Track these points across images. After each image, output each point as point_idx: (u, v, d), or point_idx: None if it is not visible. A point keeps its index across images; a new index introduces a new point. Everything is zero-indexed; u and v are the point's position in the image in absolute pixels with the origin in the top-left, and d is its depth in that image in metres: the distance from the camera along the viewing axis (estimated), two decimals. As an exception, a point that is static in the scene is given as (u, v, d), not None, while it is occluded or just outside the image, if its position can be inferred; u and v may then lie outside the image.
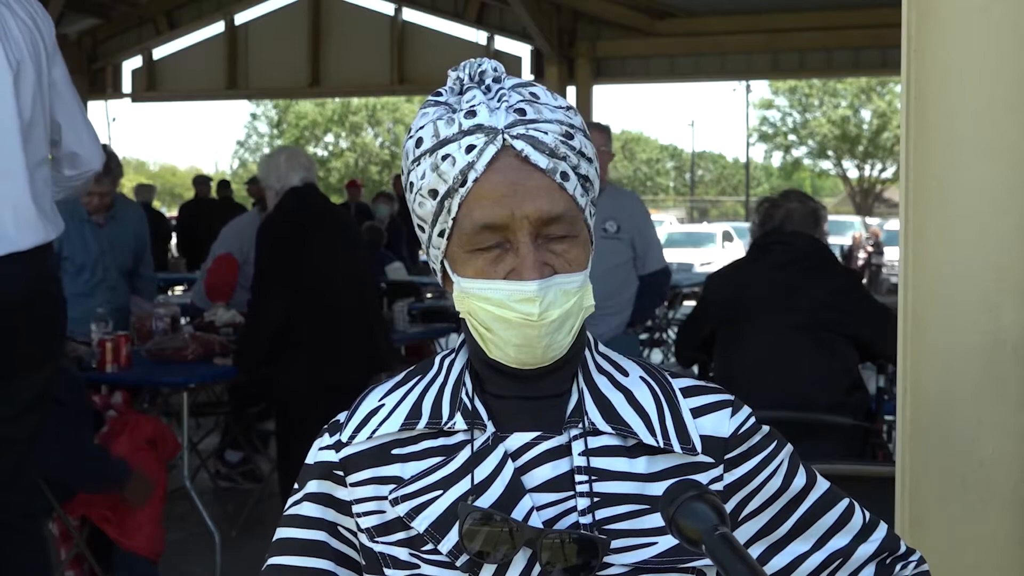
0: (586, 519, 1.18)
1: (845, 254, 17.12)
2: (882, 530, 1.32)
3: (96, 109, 43.37)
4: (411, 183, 1.20)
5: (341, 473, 1.25)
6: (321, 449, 1.28)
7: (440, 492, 1.19)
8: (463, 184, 1.15)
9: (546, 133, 1.16)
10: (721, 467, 1.23)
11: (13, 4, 3.02)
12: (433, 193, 1.17)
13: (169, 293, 10.24)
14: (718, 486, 1.22)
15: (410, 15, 14.15)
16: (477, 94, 1.17)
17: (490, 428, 1.21)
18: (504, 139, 1.14)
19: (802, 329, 3.59)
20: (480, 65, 1.19)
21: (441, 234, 1.18)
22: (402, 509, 1.20)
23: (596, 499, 1.19)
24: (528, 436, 1.21)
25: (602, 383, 1.24)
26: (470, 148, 1.14)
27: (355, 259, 4.69)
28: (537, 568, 1.15)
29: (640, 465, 1.21)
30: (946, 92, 1.68)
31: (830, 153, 44.69)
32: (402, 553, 1.21)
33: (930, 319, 1.70)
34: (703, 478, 1.21)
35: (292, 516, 1.29)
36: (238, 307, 5.70)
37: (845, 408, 3.58)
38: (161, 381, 5.03)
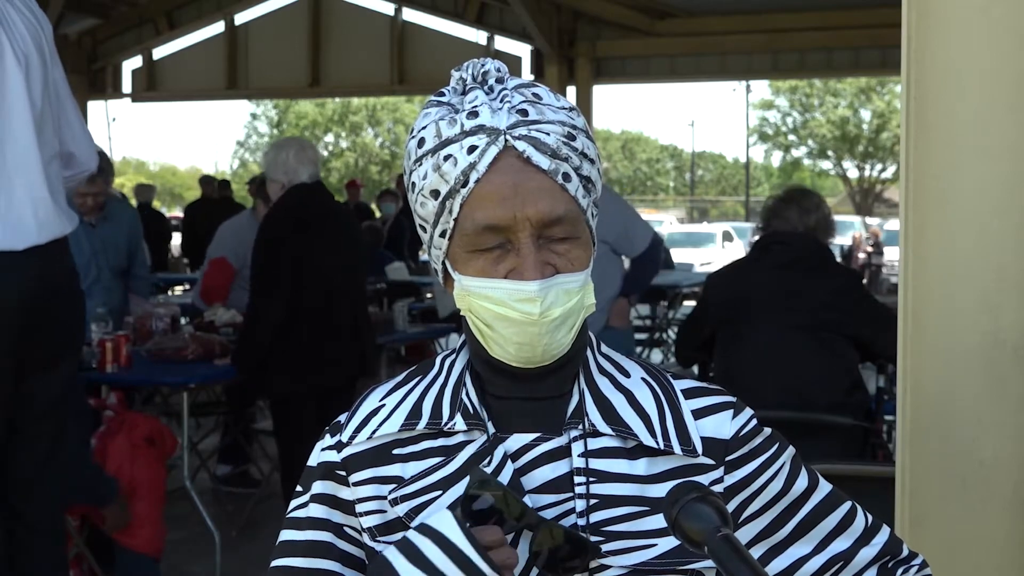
0: (584, 521, 1.18)
1: (845, 254, 17.13)
2: (884, 534, 1.32)
3: (96, 109, 43.40)
4: (413, 183, 1.20)
5: (343, 473, 1.25)
6: (323, 450, 1.28)
7: (440, 492, 1.19)
8: (465, 185, 1.15)
9: (548, 134, 1.15)
10: (722, 469, 1.22)
11: (16, 0, 3.02)
12: (435, 193, 1.17)
13: (169, 293, 10.24)
14: (719, 488, 1.22)
15: (410, 15, 14.15)
16: (479, 94, 1.17)
17: (490, 429, 1.21)
18: (506, 140, 1.14)
19: (802, 329, 3.59)
20: (483, 65, 1.19)
21: (443, 234, 1.18)
22: (402, 509, 1.20)
23: (595, 501, 1.18)
24: (528, 437, 1.20)
25: (603, 384, 1.24)
26: (472, 149, 1.14)
27: (353, 260, 4.67)
28: (535, 572, 1.15)
29: (640, 467, 1.21)
30: (946, 92, 1.68)
31: (830, 153, 44.70)
32: None
33: (930, 319, 1.70)
34: (704, 480, 1.21)
35: (297, 518, 1.29)
36: (239, 307, 5.71)
37: (845, 408, 3.58)
38: (161, 381, 5.04)
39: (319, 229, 4.45)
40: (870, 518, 1.32)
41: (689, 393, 1.26)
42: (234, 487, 6.01)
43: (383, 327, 5.82)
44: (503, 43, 14.18)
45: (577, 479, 1.19)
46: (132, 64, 15.08)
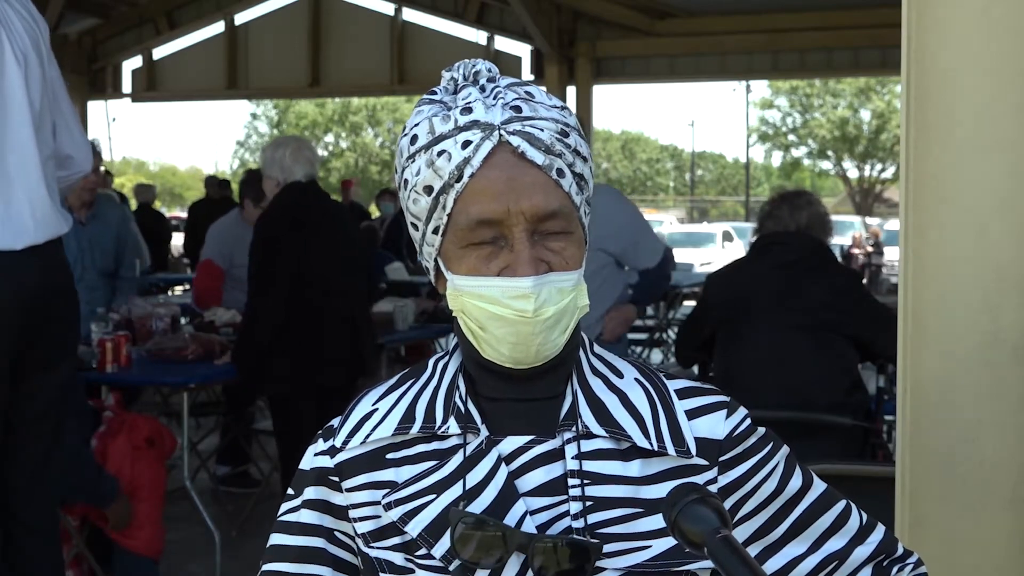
0: (579, 523, 1.17)
1: (845, 254, 17.13)
2: (879, 532, 1.31)
3: (96, 109, 43.40)
4: (405, 180, 1.19)
5: (336, 478, 1.25)
6: (316, 455, 1.27)
7: (433, 496, 1.19)
8: (459, 179, 1.14)
9: (542, 130, 1.15)
10: (716, 469, 1.22)
11: (14, 1, 3.02)
12: (428, 189, 1.16)
13: (169, 293, 10.24)
14: (713, 488, 1.21)
15: (410, 15, 14.16)
16: (473, 92, 1.17)
17: (483, 432, 1.20)
18: (500, 135, 1.14)
19: (802, 329, 3.59)
20: (475, 65, 1.19)
21: (435, 231, 1.18)
22: (395, 514, 1.19)
23: (589, 503, 1.18)
24: (521, 440, 1.20)
25: (596, 385, 1.23)
26: (466, 144, 1.14)
27: (350, 259, 4.66)
28: (530, 573, 1.15)
29: (634, 468, 1.20)
30: (946, 92, 1.68)
31: (830, 153, 44.71)
32: (397, 558, 1.21)
33: (930, 319, 1.70)
34: (697, 481, 1.20)
35: (289, 523, 1.29)
36: (237, 307, 5.70)
37: (845, 408, 3.58)
38: (161, 381, 5.04)
39: (315, 228, 4.43)
40: (864, 517, 1.32)
41: (682, 393, 1.25)
42: (234, 487, 6.01)
43: (384, 327, 5.81)
44: (503, 43, 14.20)
45: (571, 481, 1.18)
46: (132, 64, 15.10)
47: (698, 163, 57.63)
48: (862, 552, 1.29)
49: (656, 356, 10.65)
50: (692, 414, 1.23)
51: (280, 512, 1.30)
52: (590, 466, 1.19)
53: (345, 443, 1.24)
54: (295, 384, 4.43)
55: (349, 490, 1.23)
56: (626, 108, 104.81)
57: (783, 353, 3.60)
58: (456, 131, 1.15)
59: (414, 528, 1.18)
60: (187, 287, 10.45)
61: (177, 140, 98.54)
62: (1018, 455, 1.66)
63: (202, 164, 75.33)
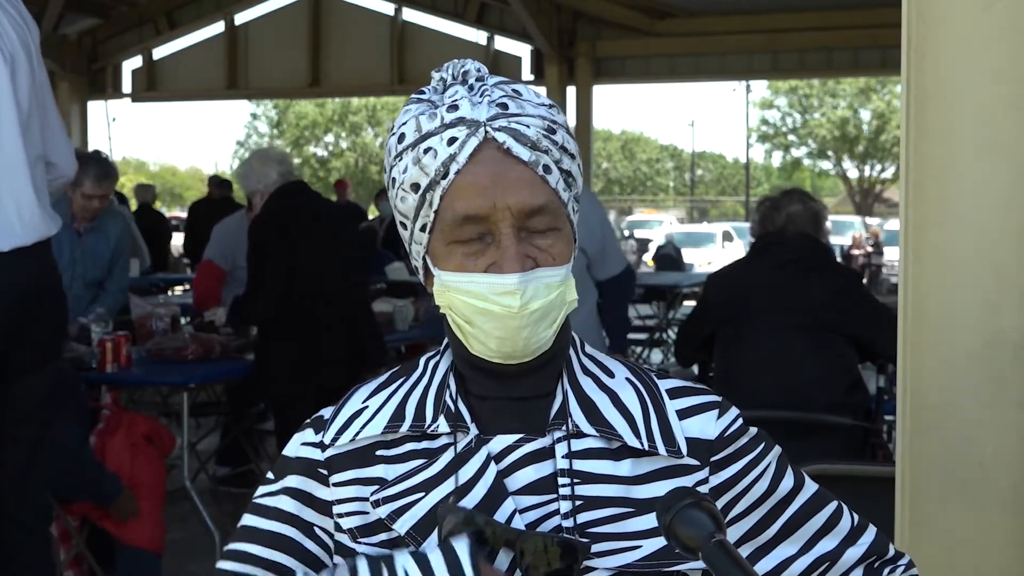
0: (568, 522, 1.17)
1: (845, 254, 17.14)
2: (870, 533, 1.31)
3: (96, 109, 43.40)
4: (393, 179, 1.19)
5: (325, 472, 1.24)
6: (304, 444, 1.26)
7: (422, 494, 1.18)
8: (445, 176, 1.14)
9: (528, 127, 1.15)
10: (707, 470, 1.22)
11: (3, 1, 3.00)
12: (415, 187, 1.16)
13: (169, 293, 10.24)
14: (703, 489, 1.21)
15: (410, 15, 14.17)
16: (460, 89, 1.17)
17: (473, 430, 1.20)
18: (486, 131, 1.14)
19: (802, 329, 3.59)
20: (463, 65, 1.19)
21: (423, 228, 1.18)
22: (384, 511, 1.19)
23: (579, 502, 1.18)
24: (511, 438, 1.20)
25: (587, 384, 1.23)
26: (452, 140, 1.14)
27: (348, 259, 4.67)
28: (518, 572, 1.14)
29: (624, 468, 1.20)
30: (946, 92, 1.68)
31: (830, 153, 44.72)
32: None
33: (930, 319, 1.70)
34: (688, 481, 1.20)
35: (265, 506, 1.27)
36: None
37: (845, 408, 3.59)
38: (161, 381, 5.04)
39: (304, 230, 4.45)
40: (856, 518, 1.31)
41: (674, 393, 1.25)
42: (233, 487, 6.01)
43: (384, 327, 5.81)
44: (503, 43, 14.20)
45: (561, 480, 1.18)
46: (132, 64, 15.10)
47: (698, 163, 57.63)
48: (853, 553, 1.29)
49: (656, 356, 10.65)
50: (683, 414, 1.23)
51: (257, 494, 1.29)
52: (580, 465, 1.19)
53: (335, 439, 1.23)
54: (293, 385, 4.44)
55: (336, 485, 1.23)
56: (626, 108, 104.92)
57: (783, 353, 3.60)
58: (442, 128, 1.15)
59: (402, 526, 1.18)
60: (187, 287, 10.46)
61: (177, 140, 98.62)
62: (1018, 455, 1.66)
63: (202, 164, 75.38)
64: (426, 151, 1.15)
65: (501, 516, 1.16)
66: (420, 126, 1.16)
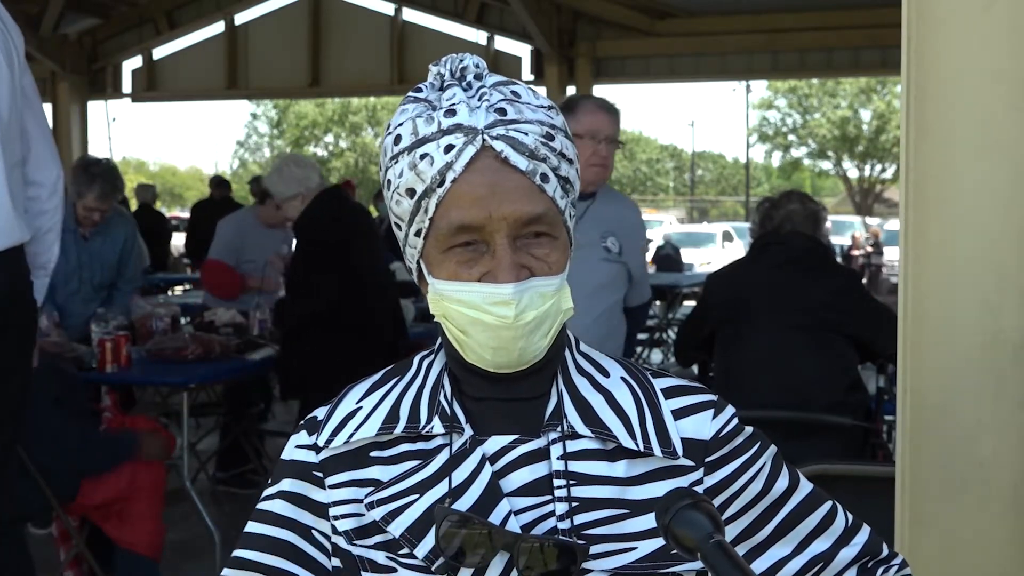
0: (564, 524, 1.16)
1: (845, 254, 17.14)
2: (864, 533, 1.31)
3: (96, 109, 43.39)
4: (388, 180, 1.18)
5: (320, 474, 1.23)
6: (298, 447, 1.26)
7: (417, 496, 1.18)
8: (441, 184, 1.13)
9: (526, 134, 1.14)
10: (702, 470, 1.21)
11: None
12: (411, 192, 1.15)
13: (169, 293, 10.24)
14: (699, 489, 1.20)
15: (410, 15, 14.16)
16: (457, 92, 1.16)
17: (468, 432, 1.19)
18: (483, 140, 1.13)
19: (802, 329, 3.59)
20: (462, 61, 1.18)
21: (418, 233, 1.17)
22: (378, 513, 1.18)
23: (574, 504, 1.17)
24: (506, 440, 1.19)
25: (582, 385, 1.22)
26: (449, 148, 1.13)
27: (386, 255, 4.84)
28: (515, 573, 1.14)
29: (620, 469, 1.19)
30: (946, 92, 1.68)
31: (830, 153, 44.71)
32: (379, 556, 1.20)
33: (930, 319, 1.70)
34: (683, 481, 1.19)
35: (263, 512, 1.28)
36: (238, 306, 5.70)
37: (845, 408, 3.59)
38: (161, 381, 5.03)
39: (355, 229, 4.65)
40: (850, 518, 1.31)
41: (669, 392, 1.24)
42: (233, 487, 6.01)
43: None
44: (503, 43, 14.19)
45: (556, 482, 1.17)
46: (132, 64, 15.09)
47: (698, 163, 57.63)
48: (847, 554, 1.29)
49: (656, 356, 10.65)
50: (679, 414, 1.22)
51: (259, 500, 1.29)
52: (575, 467, 1.18)
53: (329, 441, 1.23)
54: (339, 380, 4.47)
55: (332, 487, 1.23)
56: (626, 108, 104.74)
57: (783, 353, 3.60)
58: (439, 134, 1.13)
59: (397, 528, 1.17)
60: (187, 287, 10.46)
61: (177, 140, 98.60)
62: (1018, 455, 1.67)
63: (202, 164, 75.39)
64: (422, 157, 1.14)
65: (496, 518, 1.15)
66: (417, 129, 1.15)
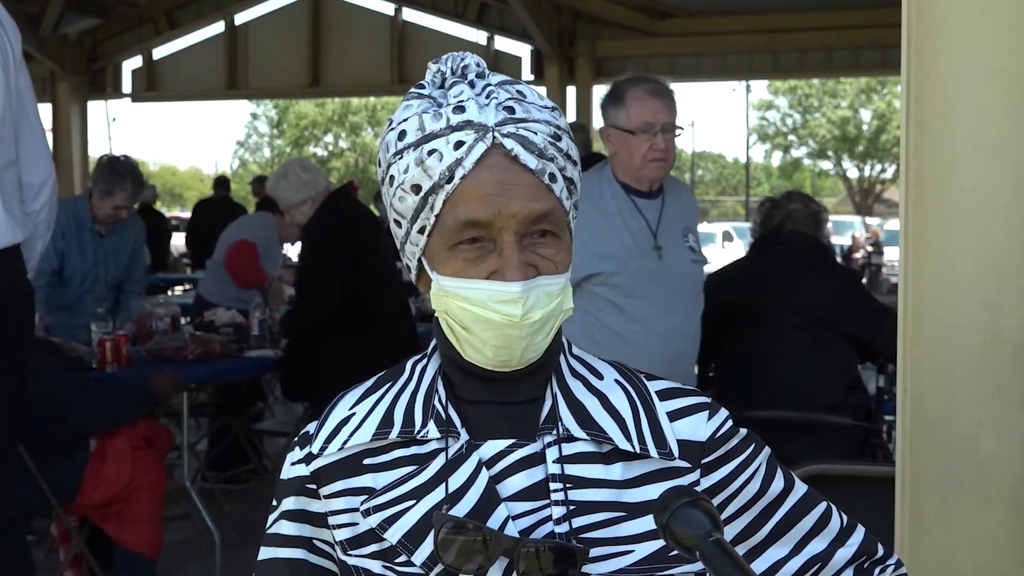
0: (561, 528, 1.15)
1: (845, 254, 17.14)
2: (859, 534, 1.31)
3: (96, 109, 43.39)
4: (391, 176, 1.16)
5: (313, 486, 1.23)
6: (293, 464, 1.25)
7: (413, 502, 1.17)
8: (449, 180, 1.12)
9: (536, 133, 1.13)
10: (698, 472, 1.20)
11: None
12: (416, 188, 1.14)
13: (169, 293, 10.24)
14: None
15: (410, 15, 14.16)
16: (464, 89, 1.15)
17: (463, 436, 1.18)
18: (494, 137, 1.12)
19: (802, 329, 3.59)
20: (463, 60, 1.17)
21: (421, 230, 1.16)
22: (375, 520, 1.17)
23: (571, 507, 1.16)
24: (502, 444, 1.18)
25: (576, 387, 1.21)
26: (459, 144, 1.12)
27: (395, 254, 4.87)
28: None
29: (616, 471, 1.18)
30: (946, 92, 1.68)
31: (830, 153, 44.71)
32: (375, 566, 1.19)
33: (930, 319, 1.70)
34: (680, 483, 1.19)
35: (272, 535, 1.28)
36: (239, 306, 5.70)
37: (845, 408, 3.59)
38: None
39: (364, 229, 4.71)
40: (845, 518, 1.31)
41: (664, 394, 1.23)
42: (229, 484, 6.00)
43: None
44: (503, 43, 14.20)
45: (553, 486, 1.16)
46: (132, 64, 15.09)
47: (698, 163, 57.62)
48: (844, 554, 1.29)
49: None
50: (674, 416, 1.22)
51: (267, 524, 1.29)
52: (572, 470, 1.17)
53: (323, 449, 1.22)
54: (351, 378, 4.48)
55: (327, 497, 1.22)
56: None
57: (783, 353, 3.60)
58: (448, 130, 1.12)
59: (393, 535, 1.16)
60: (187, 287, 10.46)
61: (177, 140, 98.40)
62: (1018, 455, 1.67)
63: (202, 164, 75.40)
64: (430, 152, 1.12)
65: (494, 522, 1.14)
66: (423, 125, 1.14)
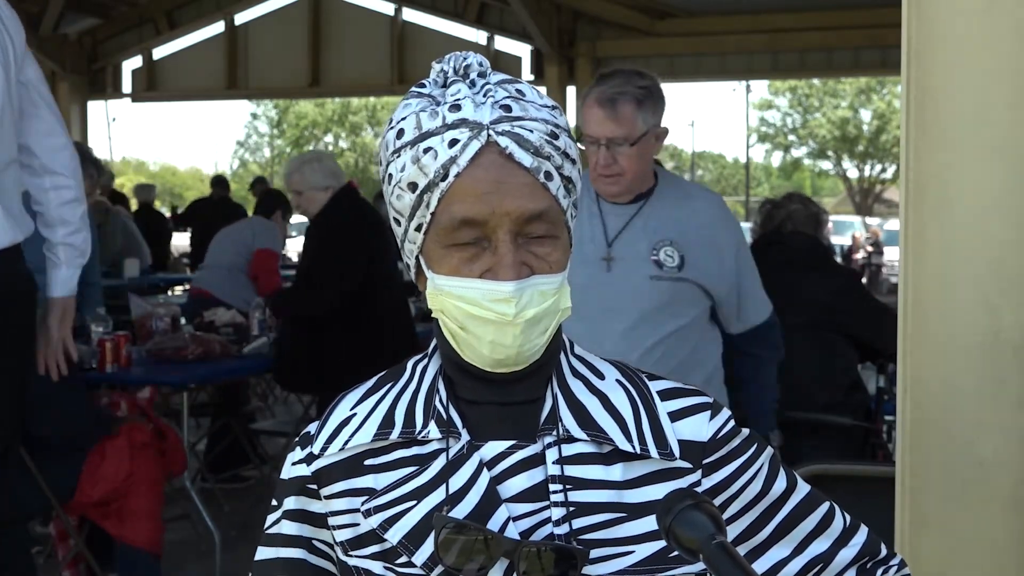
0: (561, 529, 1.15)
1: (845, 254, 17.14)
2: (862, 534, 1.30)
3: (96, 109, 43.40)
4: (390, 174, 1.16)
5: (315, 486, 1.23)
6: (294, 464, 1.25)
7: (414, 502, 1.16)
8: (444, 178, 1.12)
9: (531, 131, 1.13)
10: (699, 472, 1.20)
11: None
12: (412, 186, 1.14)
13: (169, 293, 10.24)
14: (697, 491, 1.18)
15: (410, 15, 14.18)
16: (462, 88, 1.15)
17: (464, 436, 1.18)
18: (489, 135, 1.12)
19: (802, 329, 3.59)
20: (465, 59, 1.17)
21: (418, 228, 1.16)
22: (375, 520, 1.17)
23: (571, 509, 1.16)
24: (503, 445, 1.17)
25: (577, 388, 1.21)
26: (453, 142, 1.12)
27: (397, 252, 4.96)
28: None
29: (616, 472, 1.18)
30: (946, 92, 1.68)
31: (830, 153, 44.72)
32: (376, 566, 1.19)
33: (930, 319, 1.70)
34: (681, 484, 1.19)
35: (272, 535, 1.28)
36: (239, 305, 5.70)
37: (845, 408, 3.59)
38: (161, 381, 5.03)
39: (371, 225, 4.82)
40: (848, 518, 1.30)
41: (665, 394, 1.23)
42: (229, 484, 6.00)
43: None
44: (503, 43, 14.21)
45: (552, 487, 1.16)
46: (132, 64, 15.11)
47: (698, 163, 57.62)
48: (846, 554, 1.28)
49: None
50: (675, 416, 1.21)
51: (266, 523, 1.29)
52: (572, 471, 1.17)
53: (324, 449, 1.22)
54: (353, 375, 4.48)
55: (328, 497, 1.22)
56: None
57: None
58: (444, 128, 1.12)
59: (394, 535, 1.16)
60: (187, 287, 10.46)
61: (177, 140, 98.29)
62: (1018, 455, 1.66)
63: (202, 164, 75.41)
64: (426, 151, 1.13)
65: (495, 524, 1.14)
66: (420, 123, 1.14)
